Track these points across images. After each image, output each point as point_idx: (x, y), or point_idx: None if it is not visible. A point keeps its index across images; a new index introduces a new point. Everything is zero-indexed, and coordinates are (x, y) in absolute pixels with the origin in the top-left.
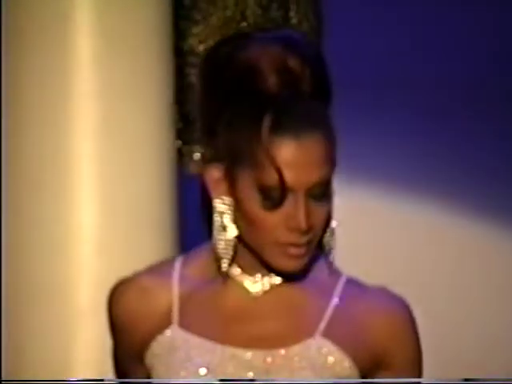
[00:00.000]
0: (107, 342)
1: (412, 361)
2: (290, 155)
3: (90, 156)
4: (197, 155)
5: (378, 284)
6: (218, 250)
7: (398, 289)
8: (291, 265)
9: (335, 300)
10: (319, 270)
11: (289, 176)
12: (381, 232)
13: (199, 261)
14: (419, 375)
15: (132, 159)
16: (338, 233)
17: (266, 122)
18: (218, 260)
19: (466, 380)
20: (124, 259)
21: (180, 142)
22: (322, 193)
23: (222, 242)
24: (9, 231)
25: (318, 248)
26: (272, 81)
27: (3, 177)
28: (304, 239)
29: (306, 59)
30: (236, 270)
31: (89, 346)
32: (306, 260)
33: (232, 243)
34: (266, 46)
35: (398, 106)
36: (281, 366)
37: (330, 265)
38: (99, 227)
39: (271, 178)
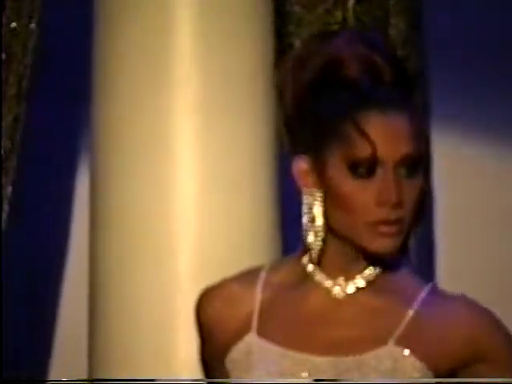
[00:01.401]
0: None
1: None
2: (379, 127)
3: (190, 134)
4: None
5: (458, 290)
6: (308, 241)
7: None
8: (383, 245)
9: (414, 308)
10: (403, 278)
11: (380, 147)
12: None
13: (284, 269)
14: None
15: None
16: None
17: (354, 100)
18: (307, 252)
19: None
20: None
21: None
22: (411, 169)
23: (312, 233)
24: (103, 214)
25: (403, 256)
26: (356, 69)
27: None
28: (394, 215)
29: (386, 55)
30: (320, 274)
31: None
32: (398, 241)
33: (321, 233)
34: (349, 40)
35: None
36: (351, 374)
37: (414, 273)
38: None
39: (362, 150)
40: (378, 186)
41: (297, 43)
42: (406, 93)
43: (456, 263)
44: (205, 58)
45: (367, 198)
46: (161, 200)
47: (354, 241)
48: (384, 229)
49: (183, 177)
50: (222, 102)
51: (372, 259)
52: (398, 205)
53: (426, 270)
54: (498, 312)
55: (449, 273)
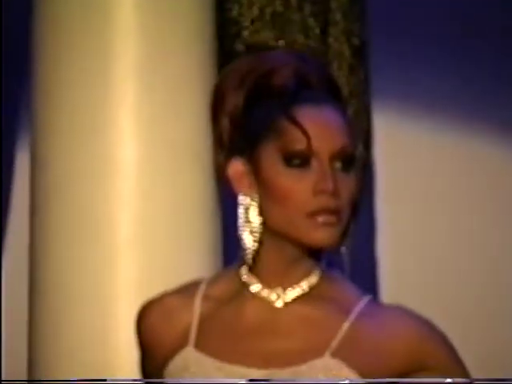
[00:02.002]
0: None
1: (445, 365)
2: (313, 121)
3: (131, 96)
4: None
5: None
6: (243, 242)
7: None
8: (322, 236)
9: (351, 319)
10: (341, 288)
11: (314, 138)
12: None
13: (223, 281)
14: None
15: (173, 103)
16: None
17: (286, 100)
18: (244, 261)
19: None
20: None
21: None
22: (347, 163)
23: (247, 233)
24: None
25: (342, 270)
26: (285, 76)
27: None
28: (333, 203)
29: (316, 68)
30: (256, 284)
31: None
32: (337, 232)
33: (257, 233)
34: (279, 55)
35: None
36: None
37: (353, 286)
38: (140, 163)
39: (297, 142)
40: (314, 177)
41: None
42: (336, 99)
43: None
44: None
45: (304, 188)
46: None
47: (293, 236)
48: (323, 218)
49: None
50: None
51: (312, 257)
52: (335, 194)
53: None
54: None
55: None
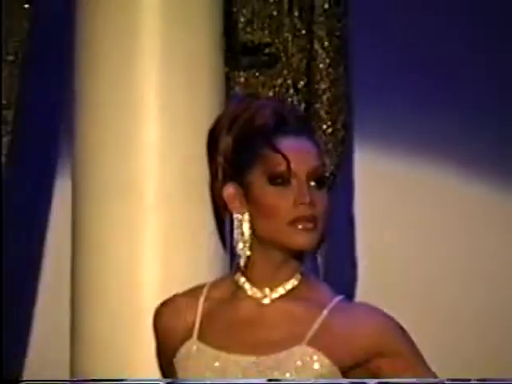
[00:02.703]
0: None
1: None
2: (291, 147)
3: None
4: None
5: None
6: (237, 250)
7: None
8: (303, 240)
9: (325, 313)
10: (317, 289)
11: (292, 161)
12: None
13: (222, 284)
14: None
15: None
16: None
17: (269, 131)
18: (239, 267)
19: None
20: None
21: (227, 69)
22: (320, 182)
23: (241, 243)
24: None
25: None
26: (266, 116)
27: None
28: (309, 211)
29: (292, 109)
30: (249, 285)
31: None
32: (315, 236)
33: (248, 243)
34: (263, 100)
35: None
36: (271, 372)
37: (327, 287)
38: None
39: (278, 165)
40: (294, 192)
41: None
42: (309, 133)
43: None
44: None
45: (286, 203)
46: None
47: (278, 242)
48: (302, 225)
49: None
50: None
51: (294, 260)
52: (312, 205)
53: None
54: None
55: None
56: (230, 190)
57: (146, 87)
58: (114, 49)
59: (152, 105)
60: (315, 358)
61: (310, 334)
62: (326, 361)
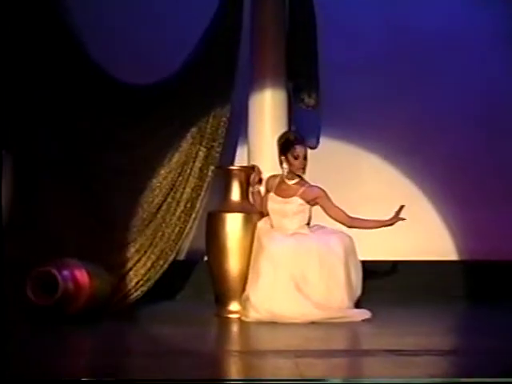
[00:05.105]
0: None
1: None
2: (300, 148)
3: None
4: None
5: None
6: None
7: None
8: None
9: (306, 186)
10: (304, 184)
11: (299, 152)
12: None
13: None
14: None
15: None
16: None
17: (293, 142)
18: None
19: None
20: None
21: (291, 85)
22: (305, 158)
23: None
24: None
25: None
26: (294, 138)
27: None
28: (302, 165)
29: (300, 136)
30: (287, 178)
31: None
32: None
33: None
34: (292, 134)
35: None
36: (287, 205)
37: (308, 183)
38: None
39: (295, 152)
40: (299, 161)
41: None
42: (304, 143)
43: None
44: None
45: (297, 162)
46: None
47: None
48: (301, 171)
49: None
50: None
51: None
52: (303, 163)
53: None
54: None
55: None
56: (281, 158)
57: None
58: None
59: None
60: (299, 200)
61: (299, 192)
62: (302, 201)
